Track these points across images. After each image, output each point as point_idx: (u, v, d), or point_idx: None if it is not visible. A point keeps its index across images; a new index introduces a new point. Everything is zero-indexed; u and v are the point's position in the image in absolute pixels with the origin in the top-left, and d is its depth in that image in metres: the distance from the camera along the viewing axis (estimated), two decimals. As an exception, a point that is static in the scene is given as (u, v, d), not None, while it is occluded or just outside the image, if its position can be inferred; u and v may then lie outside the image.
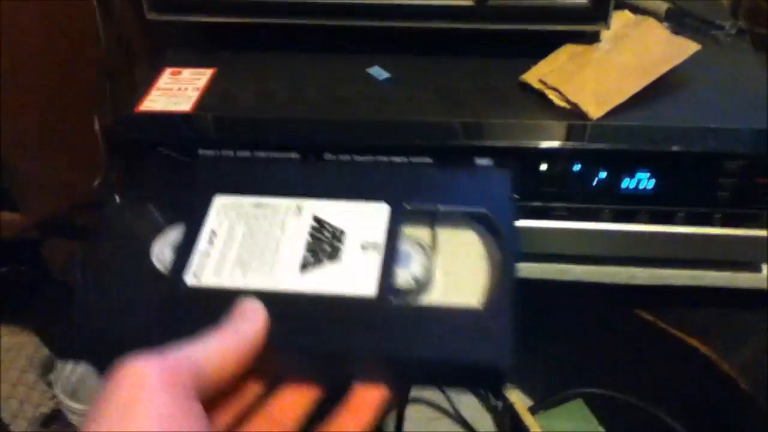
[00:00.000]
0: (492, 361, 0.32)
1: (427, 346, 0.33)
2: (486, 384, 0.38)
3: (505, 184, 0.40)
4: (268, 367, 0.34)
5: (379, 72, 0.62)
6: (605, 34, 0.61)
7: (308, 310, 0.35)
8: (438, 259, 0.38)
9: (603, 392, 0.66)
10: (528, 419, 0.56)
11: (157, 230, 0.40)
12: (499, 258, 0.37)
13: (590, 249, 0.59)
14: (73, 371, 0.96)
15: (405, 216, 0.39)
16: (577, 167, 0.55)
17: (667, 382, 0.75)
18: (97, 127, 0.57)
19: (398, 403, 0.78)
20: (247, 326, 0.33)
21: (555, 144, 0.54)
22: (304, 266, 0.37)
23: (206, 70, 0.61)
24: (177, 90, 0.59)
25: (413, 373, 0.36)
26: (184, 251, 0.38)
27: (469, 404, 1.03)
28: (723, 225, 0.57)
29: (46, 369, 1.08)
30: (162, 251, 0.39)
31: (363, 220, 0.39)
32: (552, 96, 0.57)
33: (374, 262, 0.37)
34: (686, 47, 0.59)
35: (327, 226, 0.39)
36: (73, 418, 0.93)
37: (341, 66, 0.64)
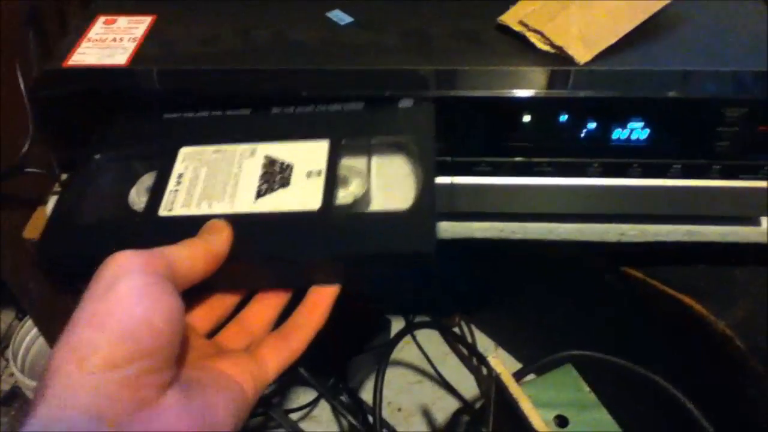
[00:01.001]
0: (419, 247, 0.40)
1: (365, 242, 0.40)
2: (418, 270, 0.41)
3: (428, 117, 0.47)
4: (238, 280, 0.42)
5: (340, 16, 0.55)
6: (592, -32, 0.55)
7: (264, 226, 0.41)
8: (374, 181, 0.45)
9: (592, 355, 0.62)
10: (515, 390, 0.51)
11: (131, 180, 0.46)
12: (422, 175, 0.43)
13: (578, 207, 0.54)
14: (28, 348, 0.90)
15: (343, 149, 0.45)
16: (563, 118, 0.49)
17: (658, 343, 0.71)
18: (21, 83, 0.50)
19: (378, 368, 0.76)
20: (214, 236, 0.38)
21: (538, 92, 0.48)
22: (259, 194, 0.43)
23: (145, 17, 0.54)
24: (111, 41, 0.52)
25: (357, 269, 0.42)
26: (155, 193, 0.44)
27: (451, 366, 0.99)
28: (721, 177, 0.52)
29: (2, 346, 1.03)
30: (137, 196, 0.45)
31: (308, 155, 0.45)
32: (534, 39, 0.51)
33: (318, 185, 0.43)
34: (680, -18, 0.53)
35: (277, 162, 0.45)
36: (31, 396, 0.88)
37: (297, 9, 0.57)
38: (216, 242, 0.38)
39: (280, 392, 0.96)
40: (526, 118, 0.49)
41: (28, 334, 0.91)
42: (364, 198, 0.44)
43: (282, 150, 0.45)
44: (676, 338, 0.69)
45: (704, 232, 0.57)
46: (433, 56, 0.51)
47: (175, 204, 0.43)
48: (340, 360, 0.88)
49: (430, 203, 0.41)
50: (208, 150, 0.46)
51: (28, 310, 0.71)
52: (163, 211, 0.43)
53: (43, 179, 0.55)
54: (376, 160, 0.47)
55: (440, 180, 0.52)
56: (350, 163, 0.46)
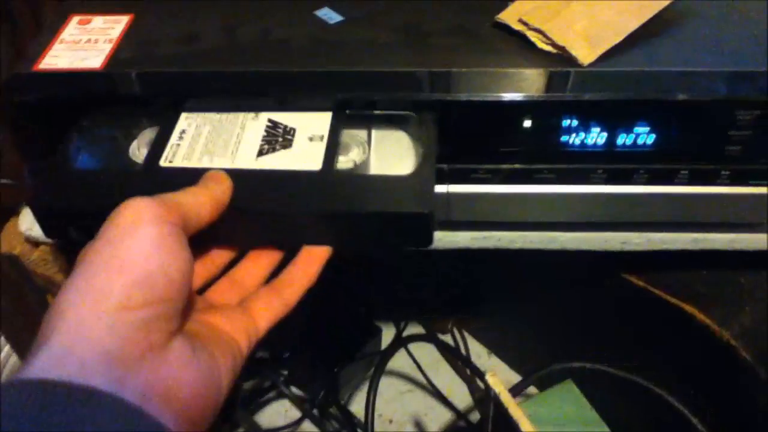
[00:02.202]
0: (416, 207, 0.41)
1: (364, 201, 0.41)
2: (414, 231, 0.42)
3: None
4: (233, 235, 0.43)
5: (329, 14, 0.52)
6: (593, -36, 0.52)
7: (264, 182, 0.42)
8: (373, 152, 0.47)
9: (593, 366, 0.60)
10: (515, 412, 0.49)
11: (131, 134, 0.47)
12: (422, 148, 0.45)
13: (581, 215, 0.52)
14: (3, 364, 0.86)
15: (346, 119, 0.46)
16: (565, 122, 0.47)
17: (660, 352, 0.69)
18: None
19: (369, 383, 0.74)
20: (215, 185, 0.39)
21: (539, 95, 0.46)
22: (261, 152, 0.44)
23: (121, 16, 0.51)
24: (86, 42, 0.48)
25: (353, 228, 0.43)
26: (157, 146, 0.45)
27: (443, 375, 0.97)
28: (731, 183, 0.49)
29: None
30: (138, 149, 0.46)
31: (311, 122, 0.46)
32: (534, 38, 0.48)
33: (320, 148, 0.44)
34: (686, -23, 0.50)
35: (280, 126, 0.46)
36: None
37: (282, 7, 0.54)
38: (218, 191, 0.39)
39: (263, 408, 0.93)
40: (527, 123, 0.47)
41: (2, 350, 0.87)
42: (364, 165, 0.46)
43: (286, 116, 0.46)
44: (679, 347, 0.67)
45: (711, 240, 0.55)
46: (428, 57, 0.48)
47: (177, 156, 0.44)
48: (328, 369, 0.85)
49: (430, 170, 0.43)
50: (211, 113, 0.47)
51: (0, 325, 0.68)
52: (164, 162, 0.44)
53: (15, 190, 0.52)
54: (376, 133, 0.47)
55: (436, 189, 0.49)
56: (352, 133, 0.47)
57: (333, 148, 0.44)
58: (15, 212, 0.54)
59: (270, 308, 0.42)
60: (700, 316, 0.62)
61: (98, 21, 0.51)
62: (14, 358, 0.85)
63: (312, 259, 0.43)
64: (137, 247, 0.32)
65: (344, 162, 0.45)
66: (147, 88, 0.46)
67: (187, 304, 0.36)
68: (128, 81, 0.46)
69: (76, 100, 0.45)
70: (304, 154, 0.44)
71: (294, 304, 0.43)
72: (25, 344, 0.68)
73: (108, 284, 0.30)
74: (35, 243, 0.57)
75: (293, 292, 0.43)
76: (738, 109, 0.46)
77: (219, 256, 0.44)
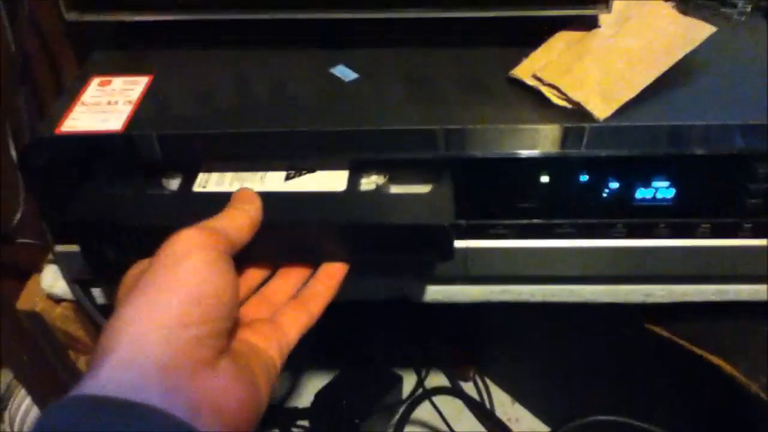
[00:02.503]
0: (436, 219, 0.43)
1: (387, 215, 0.44)
2: (435, 244, 0.44)
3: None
4: (264, 252, 0.44)
5: (345, 72, 0.53)
6: (606, 18, 0.53)
7: (293, 201, 0.45)
8: (393, 187, 0.49)
9: (617, 419, 0.59)
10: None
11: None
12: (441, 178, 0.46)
13: (602, 269, 0.51)
14: (26, 413, 0.87)
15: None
16: (584, 178, 0.46)
17: (685, 404, 0.67)
18: (12, 151, 0.47)
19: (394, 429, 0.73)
20: (248, 205, 0.41)
21: (556, 152, 0.46)
22: (288, 177, 0.48)
23: (141, 77, 0.52)
24: (106, 104, 0.49)
25: (376, 242, 0.45)
26: (185, 184, 0.48)
27: (466, 423, 0.95)
28: (753, 236, 0.49)
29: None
30: (168, 181, 0.49)
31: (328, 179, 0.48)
32: (549, 94, 0.48)
33: (344, 174, 0.48)
34: (700, 29, 0.50)
35: (300, 167, 0.49)
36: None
37: (299, 65, 0.54)
38: (252, 210, 0.41)
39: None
40: (544, 179, 0.46)
41: (25, 401, 0.88)
42: (385, 187, 0.48)
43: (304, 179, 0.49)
44: (705, 399, 0.65)
45: (735, 291, 0.54)
46: (443, 114, 0.48)
47: (209, 183, 0.48)
48: (350, 421, 0.84)
49: (448, 188, 0.45)
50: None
51: (21, 381, 0.68)
52: (197, 188, 0.47)
53: (37, 249, 0.52)
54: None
55: (455, 244, 0.49)
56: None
57: (356, 175, 0.47)
58: (36, 270, 0.55)
59: (298, 320, 0.43)
60: (727, 368, 0.60)
61: (118, 82, 0.51)
62: (35, 411, 0.85)
63: (332, 273, 0.46)
64: (192, 270, 0.34)
65: (366, 184, 0.48)
66: (165, 151, 0.46)
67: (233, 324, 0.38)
68: (148, 143, 0.46)
69: (96, 162, 0.46)
70: (329, 179, 0.47)
71: (318, 316, 0.44)
72: (46, 400, 0.68)
73: (167, 301, 0.33)
74: (57, 300, 0.57)
75: (317, 305, 0.44)
76: (757, 162, 0.45)
77: (253, 276, 0.46)
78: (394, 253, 0.46)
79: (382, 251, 0.46)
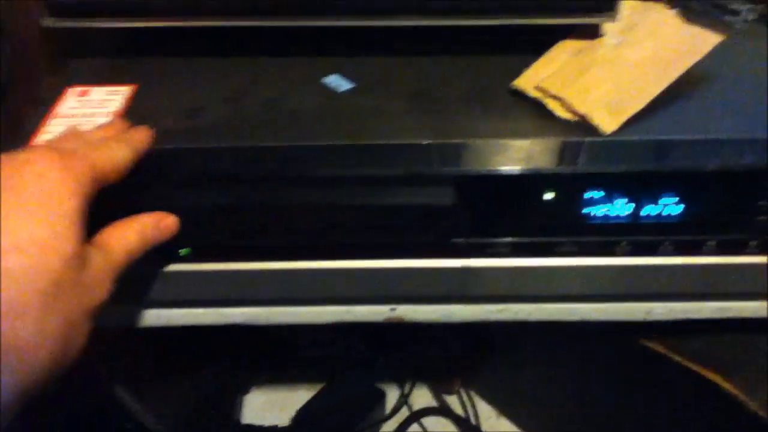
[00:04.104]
0: None
1: None
2: None
3: None
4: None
5: (338, 82, 0.50)
6: (610, 26, 0.51)
7: None
8: None
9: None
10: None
11: None
12: None
13: (605, 288, 0.49)
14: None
15: None
16: (588, 195, 0.44)
17: (681, 421, 0.66)
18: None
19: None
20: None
21: (561, 168, 0.44)
22: None
23: (122, 87, 0.49)
24: (83, 116, 0.46)
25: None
26: None
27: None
28: (760, 253, 0.47)
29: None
30: None
31: None
32: (553, 106, 0.46)
33: None
34: (707, 39, 0.49)
35: None
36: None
37: (290, 75, 0.52)
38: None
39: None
40: (548, 196, 0.44)
41: None
42: None
43: None
44: (702, 417, 0.64)
45: (736, 309, 0.53)
46: (443, 127, 0.46)
47: None
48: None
49: None
50: None
51: None
52: None
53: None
54: None
55: (452, 263, 0.47)
56: None
57: None
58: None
59: None
60: (726, 385, 0.59)
61: (98, 92, 0.48)
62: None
63: None
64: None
65: None
66: (147, 168, 0.43)
67: None
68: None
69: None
70: None
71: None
72: None
73: None
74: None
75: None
76: (766, 178, 0.44)
77: None
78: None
79: None
